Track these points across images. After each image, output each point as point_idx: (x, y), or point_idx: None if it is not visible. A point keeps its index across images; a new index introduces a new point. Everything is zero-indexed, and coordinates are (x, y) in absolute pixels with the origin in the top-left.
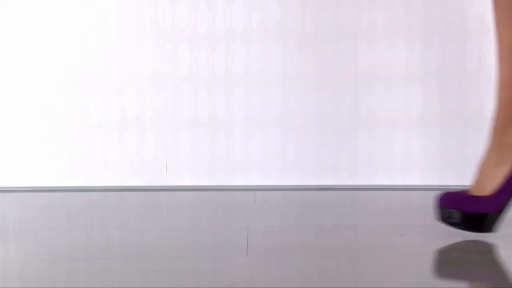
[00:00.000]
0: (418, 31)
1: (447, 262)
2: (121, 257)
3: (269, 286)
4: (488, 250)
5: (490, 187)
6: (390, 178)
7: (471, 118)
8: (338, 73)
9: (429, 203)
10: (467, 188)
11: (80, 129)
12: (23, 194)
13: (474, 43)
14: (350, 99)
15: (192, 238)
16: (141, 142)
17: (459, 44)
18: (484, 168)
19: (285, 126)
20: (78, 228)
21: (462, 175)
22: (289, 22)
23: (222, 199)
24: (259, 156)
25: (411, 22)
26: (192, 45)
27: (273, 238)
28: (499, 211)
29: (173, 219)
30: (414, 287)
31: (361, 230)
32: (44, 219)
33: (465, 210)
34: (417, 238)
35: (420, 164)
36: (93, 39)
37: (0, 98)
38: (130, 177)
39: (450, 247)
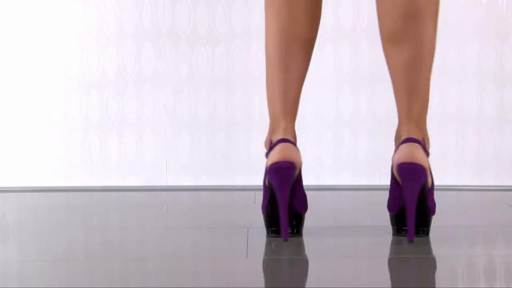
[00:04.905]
0: None
1: (447, 262)
2: (121, 257)
3: (269, 287)
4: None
5: None
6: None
7: (470, 118)
8: (337, 72)
9: None
10: None
11: (80, 129)
12: (23, 194)
13: (474, 43)
14: (350, 98)
15: (192, 238)
16: (141, 142)
17: (460, 44)
18: None
19: None
20: (78, 228)
21: (462, 175)
22: None
23: (222, 199)
24: (259, 156)
25: None
26: (192, 45)
27: (273, 238)
28: (264, 214)
29: (173, 219)
30: (414, 287)
31: (361, 230)
32: (44, 219)
33: None
34: (417, 238)
35: None
36: (93, 39)
37: (0, 98)
38: (130, 177)
39: (451, 246)
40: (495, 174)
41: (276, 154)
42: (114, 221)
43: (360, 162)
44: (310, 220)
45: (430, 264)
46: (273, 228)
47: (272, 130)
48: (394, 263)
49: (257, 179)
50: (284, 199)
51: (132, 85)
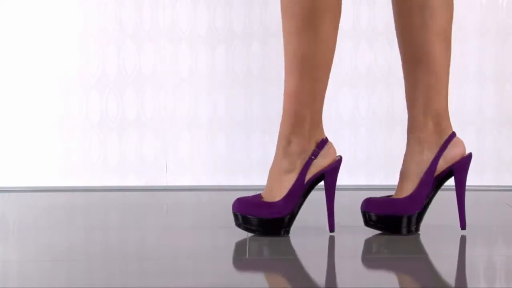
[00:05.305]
0: None
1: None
2: (121, 257)
3: (269, 286)
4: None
5: (280, 193)
6: (390, 178)
7: (470, 118)
8: (337, 72)
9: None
10: (260, 193)
11: (80, 129)
12: (23, 194)
13: (474, 43)
14: (350, 98)
15: (192, 238)
16: (141, 142)
17: (460, 44)
18: (274, 175)
19: None
20: (78, 228)
21: None
22: None
23: (222, 199)
24: (259, 156)
25: None
26: (192, 45)
27: (273, 238)
28: (289, 214)
29: (173, 219)
30: (412, 287)
31: (360, 230)
32: (44, 219)
33: (257, 216)
34: (417, 239)
35: None
36: (93, 39)
37: (0, 98)
38: (130, 177)
39: (450, 246)
40: (495, 174)
41: (335, 151)
42: (114, 221)
43: (360, 162)
44: (310, 220)
45: (430, 264)
46: (288, 228)
47: (312, 127)
48: (394, 263)
49: (257, 179)
50: (334, 193)
51: (132, 85)
